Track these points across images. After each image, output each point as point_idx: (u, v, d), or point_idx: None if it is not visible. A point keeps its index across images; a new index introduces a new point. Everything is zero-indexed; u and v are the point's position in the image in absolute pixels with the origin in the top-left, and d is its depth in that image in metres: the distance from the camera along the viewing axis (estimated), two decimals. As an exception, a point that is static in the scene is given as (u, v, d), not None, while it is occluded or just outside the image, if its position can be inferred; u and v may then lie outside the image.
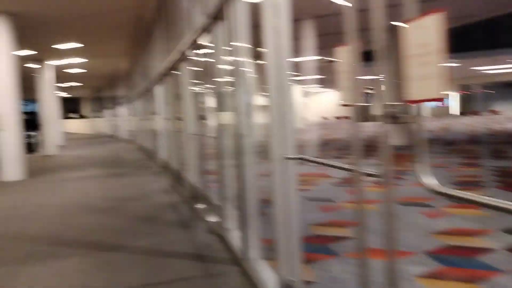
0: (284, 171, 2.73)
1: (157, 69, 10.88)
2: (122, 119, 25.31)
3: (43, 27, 12.15)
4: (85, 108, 49.15)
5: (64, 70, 21.25)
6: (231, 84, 3.95)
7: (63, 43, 14.56)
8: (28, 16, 10.71)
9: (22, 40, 13.47)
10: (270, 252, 3.23)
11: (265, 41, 2.85)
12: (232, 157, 4.58)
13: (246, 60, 3.78)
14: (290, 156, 2.69)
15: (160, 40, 10.39)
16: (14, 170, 10.45)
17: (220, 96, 4.76)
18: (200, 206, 6.12)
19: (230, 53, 4.14)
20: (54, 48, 15.18)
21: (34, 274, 3.91)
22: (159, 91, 11.04)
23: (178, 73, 8.12)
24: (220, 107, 4.78)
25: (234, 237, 4.38)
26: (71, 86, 31.68)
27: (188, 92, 7.13)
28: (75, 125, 46.10)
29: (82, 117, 47.77)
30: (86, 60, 18.52)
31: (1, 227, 5.80)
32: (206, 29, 5.13)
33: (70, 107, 49.52)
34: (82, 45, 14.91)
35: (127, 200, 7.14)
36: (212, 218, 5.30)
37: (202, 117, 6.10)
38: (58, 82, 25.99)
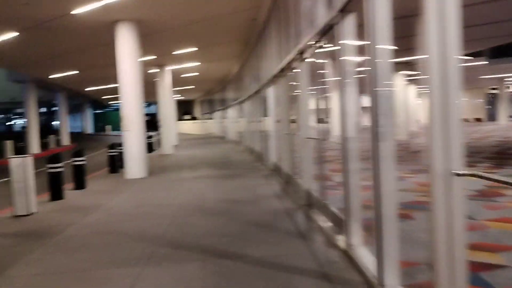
0: (449, 189, 2.19)
1: (269, 71, 10.76)
2: (231, 121, 26.10)
3: (163, 33, 12.84)
4: (197, 110, 52.13)
5: (180, 75, 22.56)
6: (366, 83, 3.47)
7: (180, 48, 15.31)
8: (150, 22, 11.35)
9: (144, 46, 14.51)
10: (411, 278, 2.71)
11: (427, 31, 2.33)
12: (363, 162, 4.09)
13: (384, 58, 3.28)
14: (459, 172, 2.14)
15: (273, 41, 10.23)
16: (136, 168, 11.15)
17: (347, 96, 4.31)
18: (317, 214, 5.72)
19: (362, 50, 3.68)
20: (173, 53, 16.07)
21: (155, 278, 3.87)
22: (271, 93, 10.90)
23: (294, 73, 7.85)
24: (346, 108, 4.33)
25: (364, 255, 3.89)
26: (185, 89, 33.70)
27: (304, 94, 6.78)
28: (187, 126, 49.07)
29: (193, 118, 50.72)
30: (199, 64, 19.35)
31: (125, 224, 6.05)
32: (331, 25, 4.72)
33: (183, 109, 52.95)
34: (197, 49, 15.52)
35: (240, 203, 7.03)
36: (333, 230, 4.86)
37: (320, 120, 5.69)
38: (174, 86, 27.84)
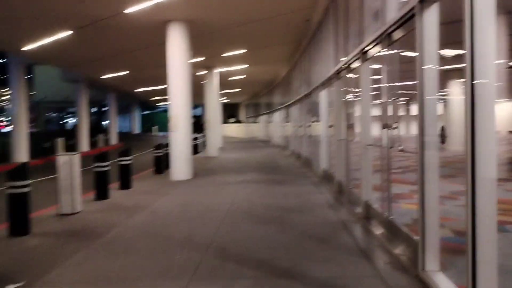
0: None
1: (322, 74, 10.23)
2: (276, 125, 25.70)
3: (213, 34, 12.62)
4: (242, 113, 52.20)
5: (227, 78, 22.45)
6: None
7: (230, 50, 15.07)
8: (201, 23, 11.14)
9: (194, 47, 14.40)
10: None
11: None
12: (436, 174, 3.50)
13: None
14: None
15: (328, 42, 9.70)
16: (183, 170, 10.94)
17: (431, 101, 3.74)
18: (378, 229, 5.14)
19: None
20: (222, 55, 15.87)
21: (204, 295, 3.47)
22: (323, 97, 10.36)
23: (351, 75, 7.31)
24: (426, 112, 3.76)
25: (443, 284, 3.30)
26: (231, 92, 33.68)
27: (366, 97, 6.21)
28: (232, 129, 49.21)
29: (238, 122, 50.80)
30: (247, 66, 19.08)
31: (171, 228, 5.73)
32: (407, 18, 4.17)
33: (229, 112, 53.21)
34: (246, 51, 15.22)
35: (291, 211, 6.55)
36: (401, 250, 4.28)
37: (387, 125, 5.09)
38: (220, 88, 27.84)
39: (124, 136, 49.35)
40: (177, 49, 10.93)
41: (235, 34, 12.60)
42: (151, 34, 12.28)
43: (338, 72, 8.03)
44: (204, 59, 16.92)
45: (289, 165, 14.13)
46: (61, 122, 67.57)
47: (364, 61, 6.16)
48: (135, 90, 32.36)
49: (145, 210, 6.88)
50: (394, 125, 4.94)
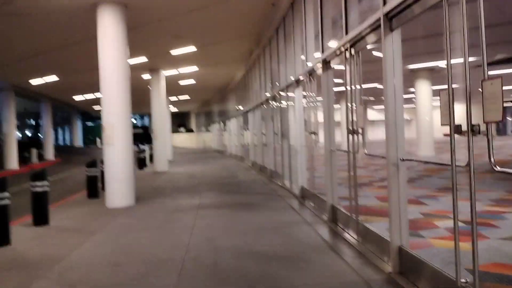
0: None
1: (294, 71, 8.30)
2: (231, 133, 23.60)
3: (155, 25, 10.34)
4: (192, 122, 49.59)
5: (175, 82, 20.09)
6: None
7: (176, 46, 12.81)
8: (139, 8, 8.86)
9: (134, 43, 12.00)
10: None
11: None
12: None
13: None
14: None
15: (303, 31, 7.76)
16: (121, 194, 8.53)
17: None
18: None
19: None
20: (168, 53, 13.56)
21: None
22: (296, 98, 8.40)
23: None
24: None
25: None
26: (180, 100, 31.18)
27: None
28: (182, 139, 46.47)
29: (189, 131, 48.13)
30: (197, 70, 16.87)
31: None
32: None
33: (178, 121, 50.40)
34: (195, 49, 13.03)
35: (276, 262, 4.43)
36: None
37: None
38: (168, 95, 25.32)
39: (63, 150, 45.19)
40: (110, 40, 8.55)
41: (183, 24, 10.41)
42: (80, 24, 9.83)
43: (325, 63, 6.10)
44: (148, 60, 14.54)
45: (253, 180, 12.04)
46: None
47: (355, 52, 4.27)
48: (74, 98, 29.05)
49: (53, 269, 4.50)
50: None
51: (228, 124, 24.35)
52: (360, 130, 4.96)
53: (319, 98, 6.70)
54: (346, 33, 5.05)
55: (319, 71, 6.38)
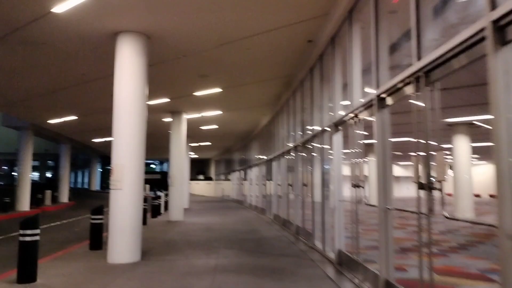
0: None
1: (332, 114, 7.22)
2: (252, 182, 22.40)
3: (178, 61, 9.56)
4: (212, 170, 48.68)
5: (196, 127, 19.32)
6: None
7: (200, 88, 12.00)
8: (162, 38, 8.07)
9: (156, 83, 11.28)
10: None
11: None
12: None
13: None
14: None
15: (342, 71, 6.81)
16: (126, 248, 7.33)
17: None
18: None
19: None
20: (191, 95, 12.77)
21: None
22: (337, 144, 7.24)
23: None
24: None
25: None
26: (200, 146, 30.43)
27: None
28: (201, 187, 45.35)
29: (208, 179, 47.10)
30: (221, 113, 16.04)
31: None
32: None
33: (197, 168, 49.61)
34: (221, 90, 12.21)
35: None
36: None
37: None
38: (189, 141, 24.59)
39: (79, 192, 44.58)
40: (127, 73, 7.71)
41: (210, 61, 9.57)
42: (99, 57, 9.13)
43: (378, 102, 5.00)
44: (170, 101, 13.79)
45: (277, 237, 10.66)
46: (13, 175, 61.74)
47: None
48: (94, 141, 28.63)
49: None
50: None
51: (249, 173, 23.19)
52: (437, 185, 3.75)
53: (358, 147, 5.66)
54: (419, 58, 3.97)
55: (371, 110, 5.28)
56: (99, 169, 56.01)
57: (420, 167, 3.95)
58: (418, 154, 4.03)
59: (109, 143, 26.94)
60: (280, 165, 14.03)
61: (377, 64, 4.99)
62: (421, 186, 3.92)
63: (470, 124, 16.77)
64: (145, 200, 13.85)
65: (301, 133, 10.34)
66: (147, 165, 66.09)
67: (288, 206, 12.43)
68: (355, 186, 5.80)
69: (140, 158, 7.67)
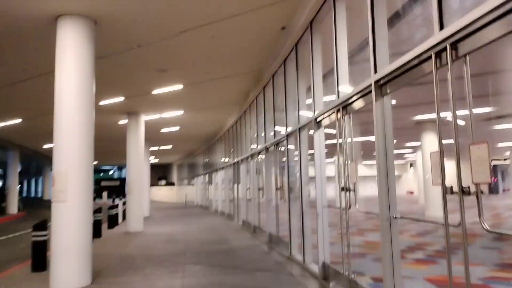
0: None
1: (313, 108, 6.36)
2: (218, 187, 21.31)
3: (135, 54, 8.43)
4: (174, 174, 47.02)
5: (157, 130, 18.05)
6: None
7: (160, 84, 10.87)
8: (115, 26, 6.94)
9: (108, 80, 10.06)
10: None
11: None
12: None
13: None
14: None
15: (315, 67, 5.98)
16: (71, 270, 6.13)
17: None
18: None
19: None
20: (149, 94, 11.59)
21: None
22: (318, 141, 6.37)
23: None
24: None
25: None
26: (161, 150, 29.00)
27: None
28: (163, 193, 43.62)
29: (170, 184, 45.42)
30: (182, 114, 14.91)
31: None
32: None
33: (159, 173, 47.76)
34: (182, 88, 11.12)
35: None
36: None
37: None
38: (149, 144, 23.18)
39: (31, 202, 41.76)
40: (69, 64, 6.51)
41: (169, 53, 8.50)
42: (41, 49, 7.85)
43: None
44: (125, 100, 12.53)
45: (249, 246, 9.68)
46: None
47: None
48: (44, 147, 26.60)
49: None
50: None
51: (215, 177, 22.09)
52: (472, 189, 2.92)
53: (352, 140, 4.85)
54: (442, 27, 3.14)
55: (365, 99, 4.45)
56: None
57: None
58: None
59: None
60: (249, 167, 13.09)
61: (374, 44, 4.15)
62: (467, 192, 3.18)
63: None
64: (100, 209, 12.55)
65: (273, 133, 9.44)
66: (105, 171, 63.27)
67: (259, 212, 11.50)
68: (345, 189, 4.94)
69: (88, 164, 6.49)
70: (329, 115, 5.68)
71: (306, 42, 6.86)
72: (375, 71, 4.06)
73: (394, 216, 3.85)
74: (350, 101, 4.85)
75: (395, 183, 3.97)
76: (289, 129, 7.85)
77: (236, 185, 15.78)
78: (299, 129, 7.05)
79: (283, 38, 7.61)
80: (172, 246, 10.05)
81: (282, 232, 9.07)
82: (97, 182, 56.36)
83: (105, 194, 43.23)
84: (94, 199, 46.45)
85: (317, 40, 6.37)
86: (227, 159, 17.94)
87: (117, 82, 10.62)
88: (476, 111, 13.72)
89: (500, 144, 27.09)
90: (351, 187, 4.87)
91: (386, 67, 3.88)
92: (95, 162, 44.26)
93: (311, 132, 6.37)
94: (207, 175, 25.31)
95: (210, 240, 10.91)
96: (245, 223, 13.71)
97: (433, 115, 15.76)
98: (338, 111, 5.21)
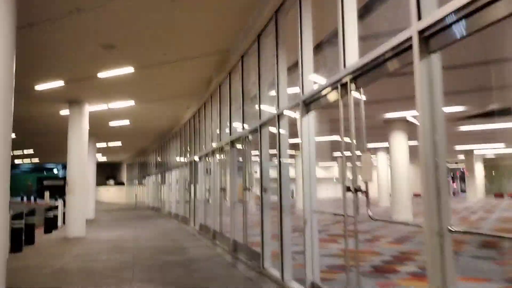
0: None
1: (296, 90, 5.11)
2: (171, 187, 19.65)
3: (73, 22, 6.82)
4: (124, 174, 44.38)
5: (104, 123, 16.16)
6: None
7: (107, 65, 9.23)
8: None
9: (41, 58, 8.31)
10: None
11: None
12: None
13: None
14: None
15: (304, 37, 4.76)
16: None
17: None
18: None
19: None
20: (94, 77, 9.88)
21: None
22: (307, 127, 5.11)
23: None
24: None
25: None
26: (110, 148, 26.80)
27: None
28: (111, 194, 40.98)
29: (119, 184, 42.80)
30: (133, 104, 13.22)
31: None
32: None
33: (107, 172, 44.95)
34: (133, 70, 9.54)
35: None
36: None
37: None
38: (95, 140, 21.02)
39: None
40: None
41: (117, 23, 6.96)
42: None
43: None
44: (65, 85, 10.72)
45: (210, 257, 8.26)
46: None
47: None
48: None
49: None
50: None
51: (168, 176, 20.40)
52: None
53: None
54: None
55: (400, 60, 3.25)
56: None
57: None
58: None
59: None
60: (209, 166, 11.67)
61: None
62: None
63: (406, 120, 15.90)
64: (33, 211, 10.67)
65: (243, 124, 8.11)
66: (48, 170, 59.18)
67: (220, 215, 10.12)
68: (354, 190, 3.72)
69: (4, 160, 4.85)
70: (326, 94, 4.45)
71: (290, 10, 5.61)
72: (419, 17, 2.83)
73: (450, 229, 2.65)
74: (360, 72, 3.65)
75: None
76: (264, 118, 6.57)
77: (192, 185, 14.28)
78: (278, 116, 5.78)
79: (259, 6, 6.30)
80: (118, 256, 8.45)
81: (251, 240, 7.76)
82: (39, 181, 52.39)
83: (47, 194, 39.97)
84: (35, 199, 42.92)
85: (307, 5, 5.12)
86: (183, 157, 16.38)
87: (55, 61, 8.89)
88: (448, 109, 13.13)
89: (458, 147, 27.31)
90: (362, 187, 3.68)
91: (435, 12, 2.68)
92: (36, 160, 40.84)
93: (297, 118, 5.12)
94: (159, 175, 23.52)
95: (164, 249, 9.39)
96: (203, 228, 12.27)
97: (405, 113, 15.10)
98: (343, 86, 3.98)
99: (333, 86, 4.18)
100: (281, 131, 5.74)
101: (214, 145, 10.71)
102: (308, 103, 4.83)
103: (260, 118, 6.76)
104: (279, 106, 5.79)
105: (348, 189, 3.83)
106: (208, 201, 12.03)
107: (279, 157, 5.75)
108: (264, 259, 6.51)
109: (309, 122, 4.90)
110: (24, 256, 8.59)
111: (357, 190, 3.73)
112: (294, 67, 6.13)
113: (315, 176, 4.85)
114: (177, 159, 17.72)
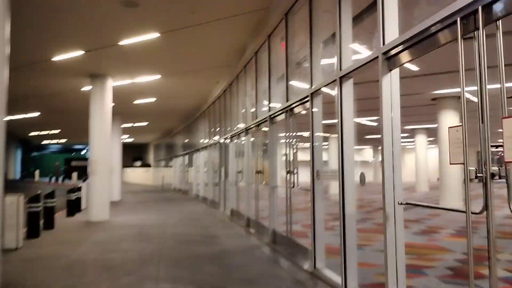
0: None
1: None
2: (200, 169, 18.67)
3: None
4: (151, 155, 43.98)
5: (129, 101, 15.19)
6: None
7: (130, 32, 8.10)
8: None
9: (54, 19, 7.21)
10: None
11: None
12: None
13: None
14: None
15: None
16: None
17: None
18: None
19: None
20: (116, 46, 8.78)
21: None
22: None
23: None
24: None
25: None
26: (136, 128, 26.04)
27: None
28: (138, 175, 40.64)
29: (146, 165, 42.42)
30: (159, 77, 12.10)
31: None
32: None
33: (134, 153, 44.65)
34: (158, 35, 8.36)
35: None
36: None
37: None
38: (121, 120, 20.17)
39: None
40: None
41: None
42: None
43: None
44: (85, 56, 9.68)
45: (245, 249, 7.15)
46: None
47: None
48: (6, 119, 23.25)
49: None
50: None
51: (196, 158, 19.42)
52: None
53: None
54: None
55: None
56: (20, 155, 49.16)
57: None
58: None
59: (29, 121, 21.88)
60: (242, 146, 10.52)
61: None
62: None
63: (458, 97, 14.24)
64: (52, 194, 9.84)
65: (287, 95, 6.84)
66: (77, 151, 59.54)
67: (256, 201, 8.98)
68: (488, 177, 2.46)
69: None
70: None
71: None
72: None
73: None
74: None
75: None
76: (317, 83, 5.31)
77: (223, 167, 13.20)
78: (340, 79, 4.51)
79: None
80: (142, 245, 7.45)
81: (297, 231, 6.59)
82: (66, 161, 52.72)
83: (75, 175, 39.99)
84: (63, 180, 43.11)
85: None
86: (212, 137, 15.29)
87: (71, 24, 7.82)
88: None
89: None
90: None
91: None
92: (64, 140, 40.84)
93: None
94: (187, 156, 22.60)
95: (192, 237, 8.35)
96: (235, 213, 11.20)
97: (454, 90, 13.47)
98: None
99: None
100: (345, 98, 4.47)
101: (249, 122, 9.52)
102: (394, 55, 3.53)
103: (311, 85, 5.50)
104: (342, 66, 4.51)
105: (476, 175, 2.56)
106: (240, 185, 10.93)
107: (341, 133, 4.50)
108: (317, 257, 5.33)
109: (391, 83, 3.62)
110: (39, 243, 7.73)
111: (494, 175, 2.46)
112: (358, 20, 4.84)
113: (400, 157, 3.59)
114: (206, 139, 16.67)
